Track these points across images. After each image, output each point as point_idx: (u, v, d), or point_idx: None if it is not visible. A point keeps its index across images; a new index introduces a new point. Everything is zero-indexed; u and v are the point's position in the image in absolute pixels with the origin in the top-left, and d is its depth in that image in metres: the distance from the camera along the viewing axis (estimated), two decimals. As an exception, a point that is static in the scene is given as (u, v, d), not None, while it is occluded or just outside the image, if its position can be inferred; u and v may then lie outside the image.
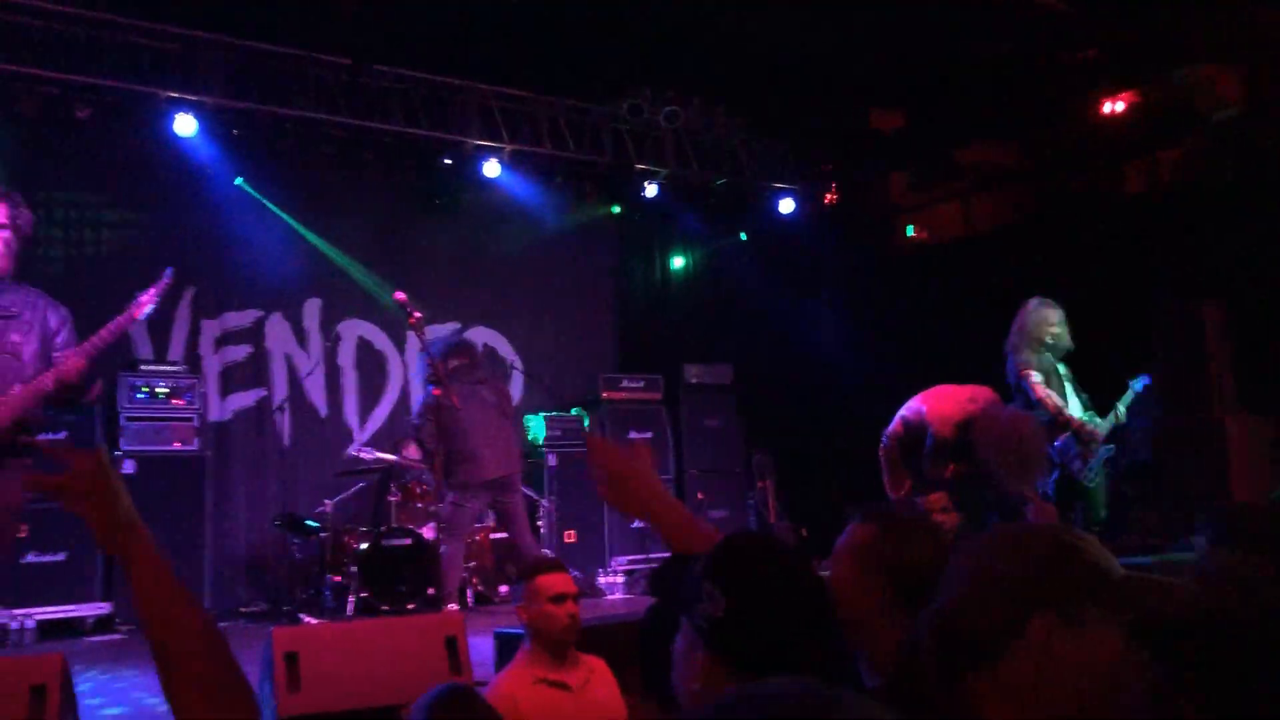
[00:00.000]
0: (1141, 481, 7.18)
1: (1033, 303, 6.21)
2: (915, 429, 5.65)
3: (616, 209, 10.52)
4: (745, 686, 0.84)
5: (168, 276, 4.07)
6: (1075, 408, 6.08)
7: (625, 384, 9.78)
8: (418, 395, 9.34)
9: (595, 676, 3.22)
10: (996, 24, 7.96)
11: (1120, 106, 8.42)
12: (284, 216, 8.83)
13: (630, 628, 3.76)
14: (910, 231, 10.82)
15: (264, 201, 8.70)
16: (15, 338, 3.82)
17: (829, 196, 10.38)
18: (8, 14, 7.02)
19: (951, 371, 6.09)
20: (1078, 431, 5.96)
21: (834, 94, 9.18)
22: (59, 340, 3.94)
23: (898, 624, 1.78)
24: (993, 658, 1.21)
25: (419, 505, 7.94)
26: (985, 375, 6.12)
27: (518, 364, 9.84)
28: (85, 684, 4.13)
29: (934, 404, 5.60)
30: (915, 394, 5.83)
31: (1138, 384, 6.26)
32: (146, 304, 3.98)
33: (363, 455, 8.00)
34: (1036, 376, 6.01)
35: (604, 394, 9.58)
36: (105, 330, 3.87)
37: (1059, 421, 5.92)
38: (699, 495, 9.71)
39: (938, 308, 9.10)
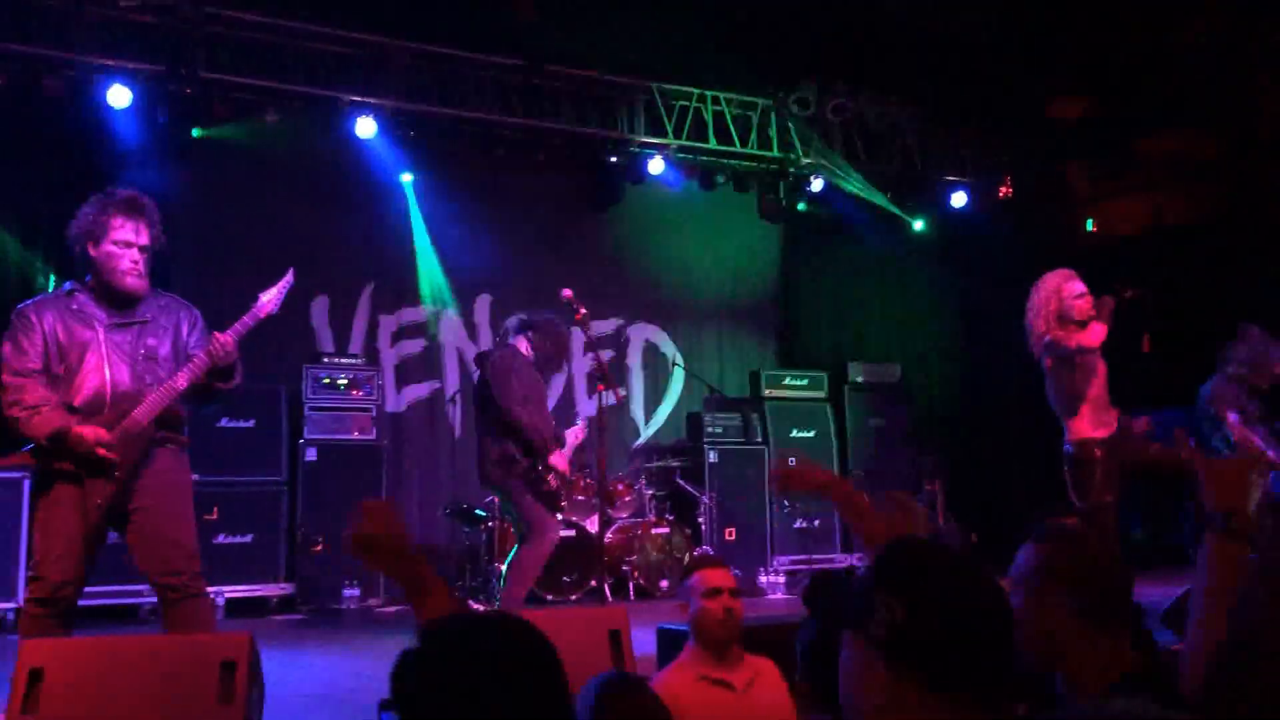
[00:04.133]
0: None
1: (1255, 333, 5.83)
2: None
3: (790, 207, 10.39)
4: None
5: (288, 278, 4.19)
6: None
7: (788, 381, 9.68)
8: (581, 389, 9.49)
9: (761, 678, 3.16)
10: (1189, 3, 7.53)
11: (1328, 90, 7.84)
12: (455, 214, 9.10)
13: (792, 629, 3.71)
14: (1091, 226, 10.36)
15: (431, 202, 9.00)
16: (151, 341, 4.02)
17: (1004, 189, 10.01)
18: (208, 25, 7.45)
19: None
20: None
21: (1010, 81, 8.85)
22: (191, 340, 4.12)
23: (1088, 640, 1.72)
24: None
25: (581, 498, 8.06)
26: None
27: (679, 360, 9.86)
28: (269, 661, 4.35)
29: None
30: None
31: None
32: (269, 304, 4.10)
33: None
34: (1235, 416, 5.67)
35: (766, 391, 9.51)
36: (237, 326, 4.02)
37: (1262, 465, 5.56)
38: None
39: (1121, 307, 8.66)
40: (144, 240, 3.97)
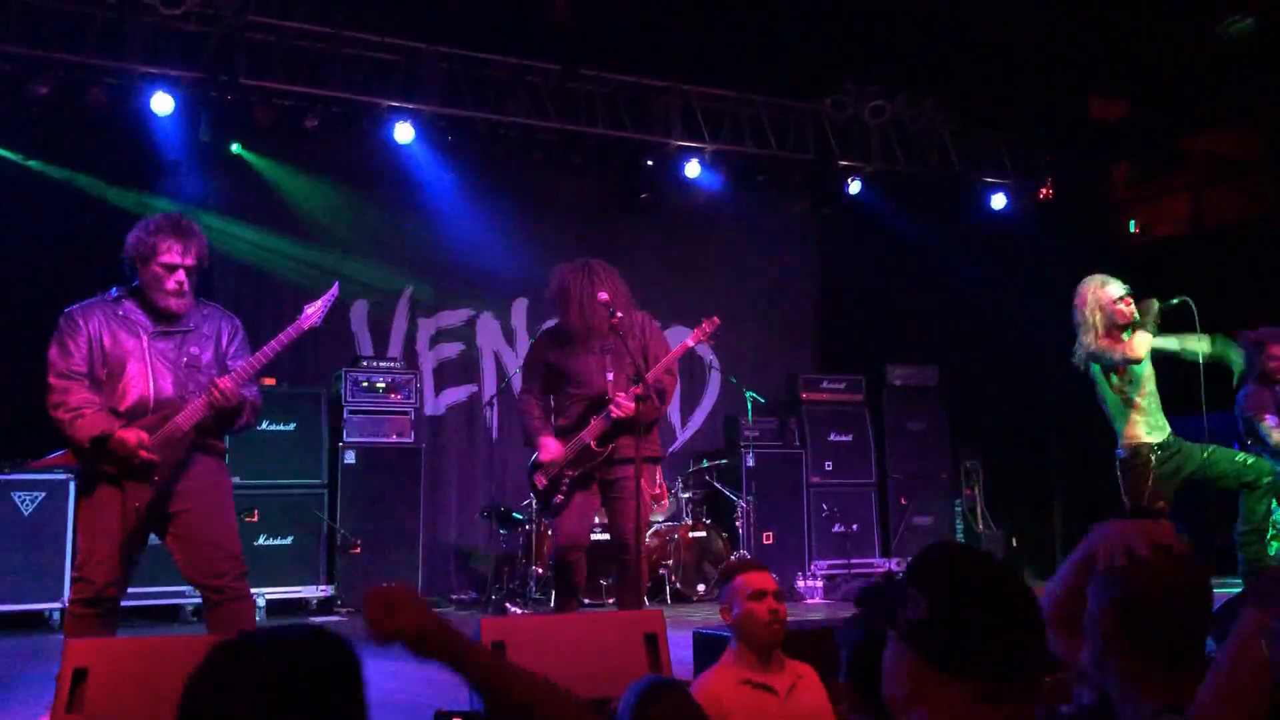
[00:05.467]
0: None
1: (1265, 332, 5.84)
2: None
3: (826, 210, 10.34)
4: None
5: (333, 291, 4.25)
6: None
7: (825, 385, 9.63)
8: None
9: (802, 683, 3.15)
10: (1231, 1, 7.42)
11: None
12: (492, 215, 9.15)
13: (832, 633, 3.70)
14: (1133, 227, 10.23)
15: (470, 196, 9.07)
16: (194, 349, 4.11)
17: (1045, 191, 9.90)
18: (250, 32, 7.54)
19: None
20: None
21: (1050, 81, 8.76)
22: (231, 350, 4.20)
23: (1131, 660, 1.70)
24: None
25: (620, 501, 8.06)
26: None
27: (716, 364, 9.84)
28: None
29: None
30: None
31: None
32: (313, 316, 4.17)
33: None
34: (1273, 419, 5.61)
35: (803, 395, 9.47)
36: (267, 347, 4.08)
37: None
38: (902, 501, 9.46)
39: (1164, 309, 8.55)
40: (190, 261, 4.07)
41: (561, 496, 5.19)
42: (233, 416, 4.10)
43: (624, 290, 5.24)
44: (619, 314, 5.04)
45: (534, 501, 5.48)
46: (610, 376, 5.20)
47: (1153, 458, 5.34)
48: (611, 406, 5.10)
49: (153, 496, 3.88)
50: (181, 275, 4.04)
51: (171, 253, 4.01)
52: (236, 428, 4.19)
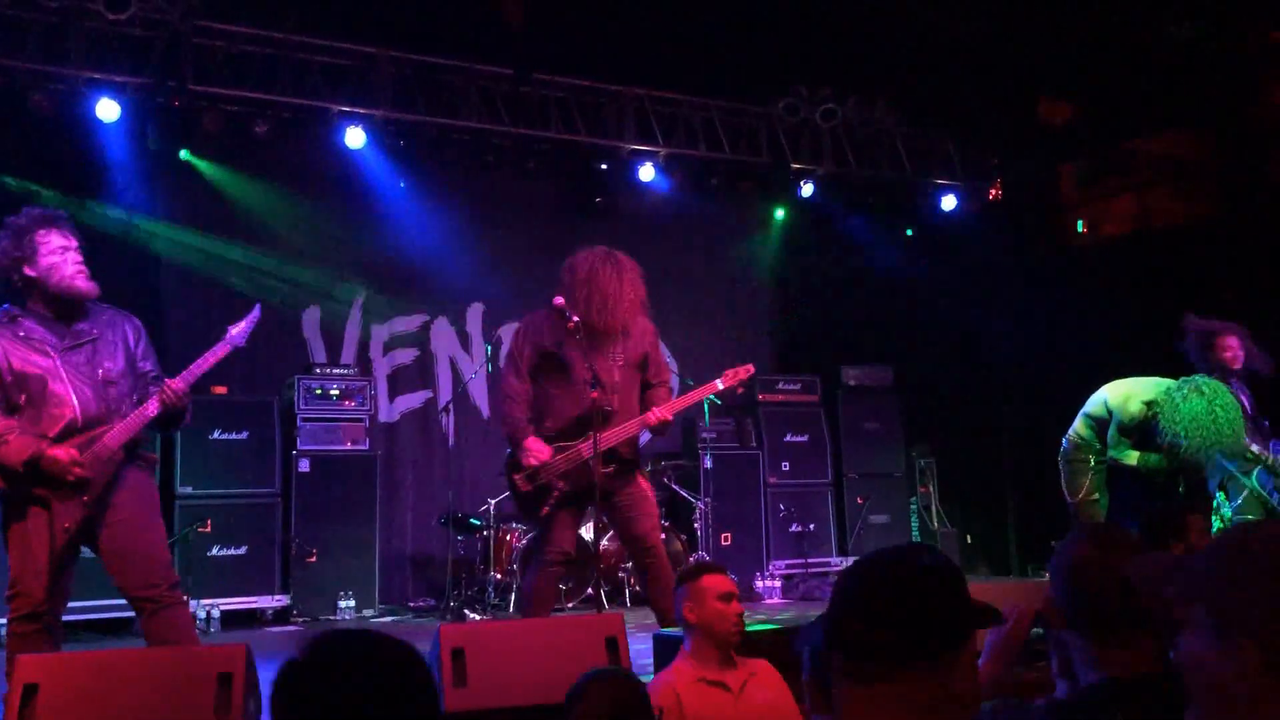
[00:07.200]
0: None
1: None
2: (1099, 421, 5.43)
3: (780, 213, 10.40)
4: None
5: (255, 312, 4.18)
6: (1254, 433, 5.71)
7: (782, 385, 9.68)
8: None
9: (755, 679, 3.22)
10: (1177, 2, 7.56)
11: (1315, 89, 7.87)
12: (448, 222, 9.10)
13: (790, 633, 3.72)
14: (1081, 227, 10.39)
15: (428, 206, 9.01)
16: (108, 364, 3.99)
17: (994, 192, 10.04)
18: (197, 38, 7.44)
19: (1126, 374, 5.82)
20: (1271, 466, 5.62)
21: (999, 84, 8.88)
22: (139, 351, 4.11)
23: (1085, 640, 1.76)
24: None
25: (578, 506, 8.05)
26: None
27: (673, 366, 9.85)
28: (265, 673, 4.32)
29: (1117, 388, 5.39)
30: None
31: None
32: (236, 337, 4.10)
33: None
34: None
35: (760, 396, 9.51)
36: (200, 361, 4.00)
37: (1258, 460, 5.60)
38: (859, 500, 9.54)
39: (1111, 307, 8.69)
40: (75, 242, 3.97)
41: (548, 509, 4.87)
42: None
43: (641, 292, 5.05)
44: (574, 318, 4.95)
45: (516, 504, 5.07)
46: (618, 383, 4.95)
47: (1091, 459, 5.46)
48: (656, 412, 4.90)
49: (81, 518, 3.81)
50: (76, 255, 3.93)
51: (53, 238, 3.89)
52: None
